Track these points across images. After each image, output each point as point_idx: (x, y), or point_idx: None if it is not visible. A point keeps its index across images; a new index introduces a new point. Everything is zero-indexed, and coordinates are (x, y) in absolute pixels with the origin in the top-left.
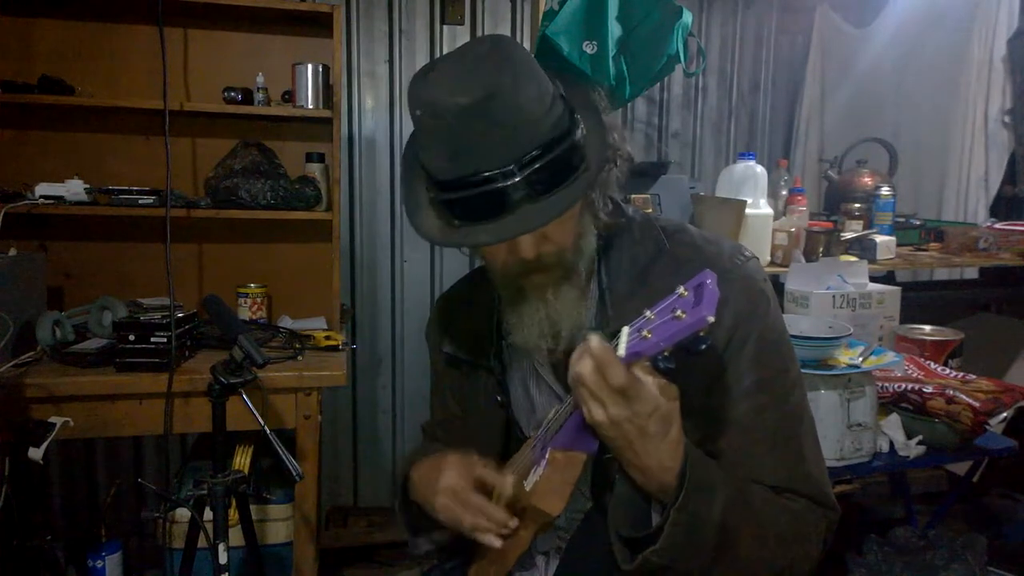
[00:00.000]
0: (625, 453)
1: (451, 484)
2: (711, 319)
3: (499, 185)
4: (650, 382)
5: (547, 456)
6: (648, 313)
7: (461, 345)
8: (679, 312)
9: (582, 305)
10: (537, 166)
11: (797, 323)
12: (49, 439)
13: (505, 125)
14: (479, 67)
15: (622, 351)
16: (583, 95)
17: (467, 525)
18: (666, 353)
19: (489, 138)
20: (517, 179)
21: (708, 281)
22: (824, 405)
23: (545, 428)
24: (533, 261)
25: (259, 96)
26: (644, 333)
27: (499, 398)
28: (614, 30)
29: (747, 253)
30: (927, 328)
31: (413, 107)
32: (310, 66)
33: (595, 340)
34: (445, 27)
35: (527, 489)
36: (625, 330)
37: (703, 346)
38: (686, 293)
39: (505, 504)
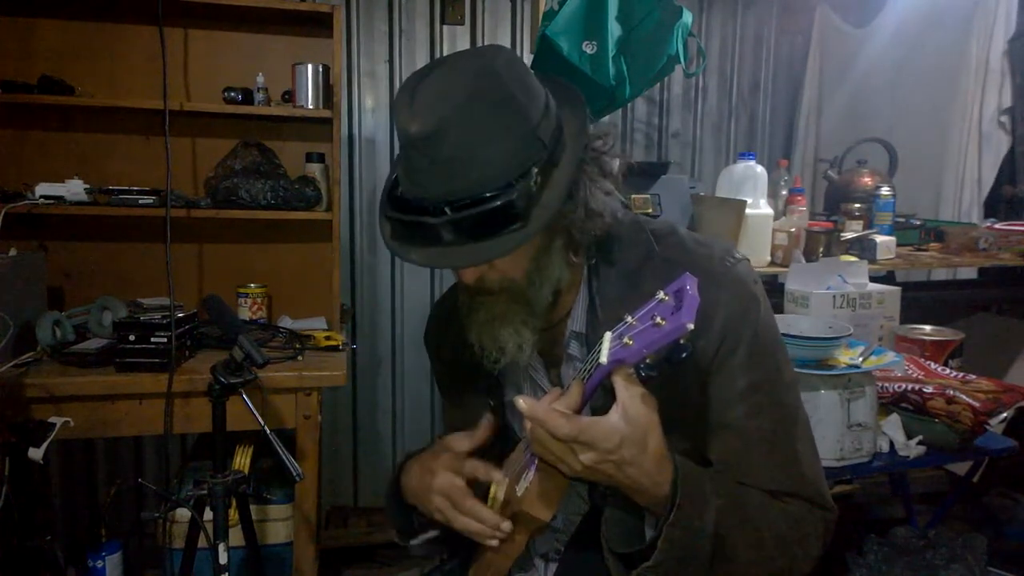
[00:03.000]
0: (618, 485)
1: (444, 485)
2: (690, 326)
3: (428, 220)
4: (600, 420)
5: (536, 461)
6: (630, 319)
7: (456, 350)
8: (659, 319)
9: (526, 327)
10: (466, 214)
11: (797, 323)
12: (49, 439)
13: (447, 164)
14: (448, 94)
15: (604, 358)
16: (578, 121)
17: (459, 527)
18: (648, 360)
19: (430, 173)
20: (444, 220)
21: (688, 286)
22: (824, 405)
23: None
24: (475, 285)
25: (259, 96)
26: (626, 340)
27: (491, 403)
28: (614, 30)
29: (737, 255)
30: (927, 328)
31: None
32: (310, 66)
33: (521, 402)
34: (445, 27)
35: (518, 494)
36: (607, 336)
37: (684, 355)
38: (667, 298)
39: (499, 507)
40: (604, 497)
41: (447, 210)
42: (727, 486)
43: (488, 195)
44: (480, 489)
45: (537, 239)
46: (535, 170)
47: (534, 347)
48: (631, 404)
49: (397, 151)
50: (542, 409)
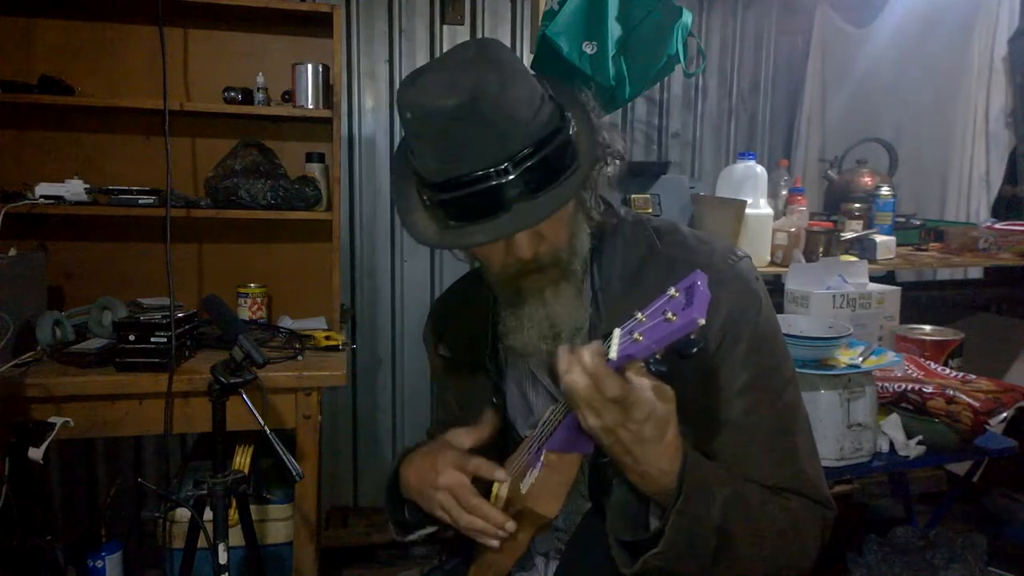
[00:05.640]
0: (623, 458)
1: (450, 482)
2: (702, 321)
3: (493, 183)
4: (645, 386)
5: (542, 458)
6: (639, 315)
7: (457, 347)
8: (669, 314)
9: (580, 305)
10: (530, 163)
11: (797, 323)
12: (49, 439)
13: (495, 125)
14: (465, 70)
15: (614, 354)
16: (571, 95)
17: (464, 525)
18: (658, 356)
19: (480, 138)
20: (511, 177)
21: (699, 282)
22: (824, 405)
23: (540, 430)
24: (530, 261)
25: (259, 96)
26: (635, 336)
27: (494, 400)
28: (614, 30)
29: (739, 253)
30: (927, 328)
31: (403, 111)
32: (310, 66)
33: (587, 352)
34: (445, 27)
35: (523, 491)
36: (616, 332)
37: (694, 349)
38: (677, 294)
39: (502, 505)
40: (605, 492)
41: (510, 168)
42: (731, 480)
43: (544, 139)
44: (482, 487)
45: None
46: (568, 114)
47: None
48: (659, 390)
49: (396, 153)
50: (601, 364)
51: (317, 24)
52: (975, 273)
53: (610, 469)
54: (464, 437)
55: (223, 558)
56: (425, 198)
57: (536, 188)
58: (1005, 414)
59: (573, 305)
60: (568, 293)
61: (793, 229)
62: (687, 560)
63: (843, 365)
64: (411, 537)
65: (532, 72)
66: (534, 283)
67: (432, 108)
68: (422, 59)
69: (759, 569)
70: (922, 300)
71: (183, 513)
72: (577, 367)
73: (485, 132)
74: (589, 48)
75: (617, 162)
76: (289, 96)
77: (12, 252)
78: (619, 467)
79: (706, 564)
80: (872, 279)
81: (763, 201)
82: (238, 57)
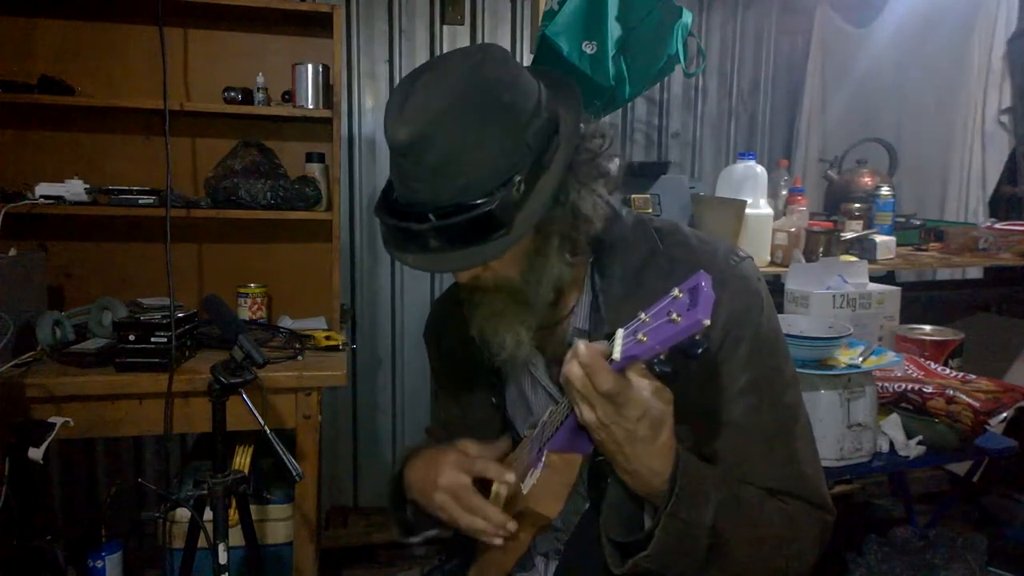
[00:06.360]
0: (616, 456)
1: (450, 482)
2: (706, 322)
3: (414, 227)
4: (641, 385)
5: (543, 459)
6: (643, 315)
7: (456, 346)
8: (674, 315)
9: (529, 318)
10: (449, 221)
11: (797, 323)
12: (49, 439)
13: (432, 171)
14: (435, 100)
15: (617, 355)
16: (571, 125)
17: (464, 525)
18: (662, 356)
19: (416, 179)
20: (429, 227)
21: (703, 283)
22: (824, 405)
23: (541, 430)
24: (471, 281)
25: (259, 96)
26: (639, 336)
27: (493, 400)
28: (614, 30)
29: (742, 254)
30: (927, 328)
31: None
32: (310, 66)
33: (583, 346)
34: (445, 27)
35: (524, 492)
36: (620, 333)
37: (699, 350)
38: (681, 295)
39: (502, 505)
40: (604, 492)
41: (432, 217)
42: (728, 483)
43: (471, 203)
44: (482, 487)
45: (529, 241)
46: (518, 178)
47: (532, 344)
48: (657, 391)
49: None
50: (596, 358)
51: (317, 24)
52: (975, 273)
53: (607, 468)
54: (475, 449)
55: (223, 558)
56: (377, 211)
57: (452, 243)
58: (1005, 414)
59: (515, 326)
60: (515, 314)
61: (793, 229)
62: (678, 562)
63: (843, 365)
64: (414, 539)
65: (533, 88)
66: (483, 299)
67: (388, 135)
68: (422, 59)
69: (756, 571)
70: (922, 300)
71: (183, 513)
72: (575, 360)
73: (422, 176)
74: (589, 48)
75: (601, 213)
76: (289, 96)
77: (12, 252)
78: (612, 465)
79: (699, 566)
80: (872, 279)
81: (763, 201)
82: (238, 57)
